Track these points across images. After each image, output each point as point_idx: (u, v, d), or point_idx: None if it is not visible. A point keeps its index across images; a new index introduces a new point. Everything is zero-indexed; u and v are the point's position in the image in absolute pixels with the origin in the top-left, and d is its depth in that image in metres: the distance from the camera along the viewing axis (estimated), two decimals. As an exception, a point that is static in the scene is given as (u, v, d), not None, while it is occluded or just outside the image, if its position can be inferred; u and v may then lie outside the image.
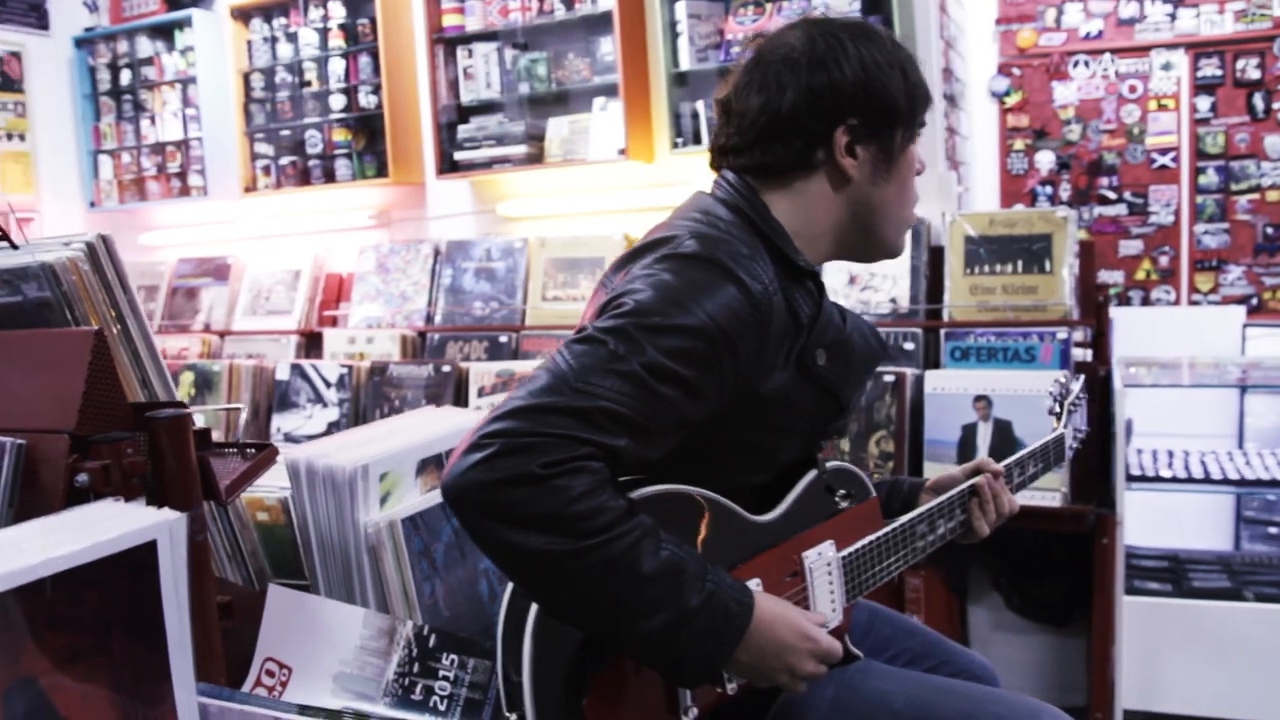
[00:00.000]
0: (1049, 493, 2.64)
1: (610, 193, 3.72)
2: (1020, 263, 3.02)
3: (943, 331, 2.97)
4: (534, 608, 1.11)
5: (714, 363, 1.13)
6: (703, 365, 1.12)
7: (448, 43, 3.86)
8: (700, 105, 3.42)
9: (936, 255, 3.14)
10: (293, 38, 4.24)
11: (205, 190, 4.47)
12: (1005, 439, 2.67)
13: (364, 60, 4.08)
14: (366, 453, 1.31)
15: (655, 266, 1.17)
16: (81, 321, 1.25)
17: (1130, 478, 2.77)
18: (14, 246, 1.24)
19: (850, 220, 1.31)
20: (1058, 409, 1.61)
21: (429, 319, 3.95)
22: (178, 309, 4.51)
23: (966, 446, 2.70)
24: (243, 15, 4.32)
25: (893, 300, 3.11)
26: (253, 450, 1.36)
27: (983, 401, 2.74)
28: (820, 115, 1.26)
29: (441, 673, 1.20)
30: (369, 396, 3.63)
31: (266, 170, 4.34)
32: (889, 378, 2.83)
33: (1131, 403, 2.75)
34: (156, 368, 1.34)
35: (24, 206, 4.66)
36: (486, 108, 3.91)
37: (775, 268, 1.23)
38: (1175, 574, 2.90)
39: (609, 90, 3.56)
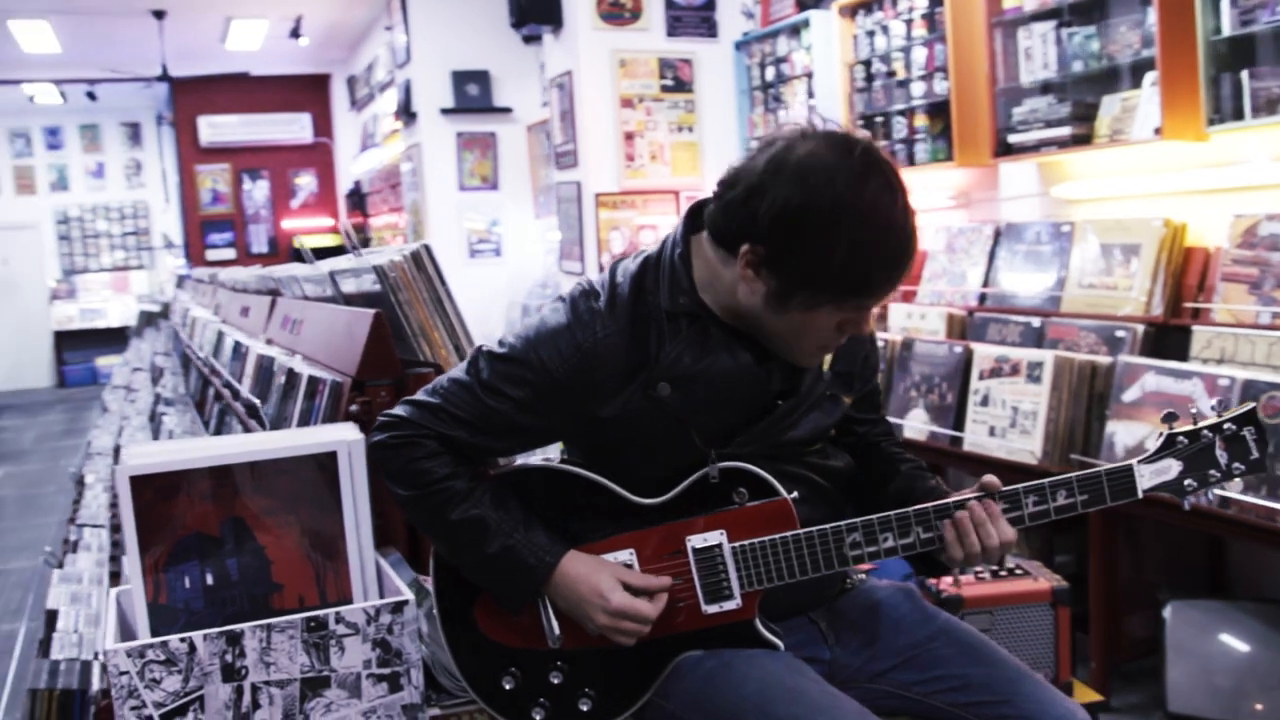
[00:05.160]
0: None
1: (1153, 175, 3.49)
2: None
3: None
4: None
5: (541, 389, 1.43)
6: (530, 389, 1.44)
7: (1007, 24, 3.89)
8: (1245, 76, 3.06)
9: None
10: (885, 30, 4.57)
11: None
12: None
13: (939, 47, 4.27)
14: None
15: (553, 301, 1.50)
16: (404, 306, 1.84)
17: None
18: (358, 253, 1.87)
19: (748, 319, 1.43)
20: (1161, 431, 1.41)
21: (982, 299, 4.07)
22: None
23: None
24: (849, 11, 4.74)
25: None
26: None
27: None
28: (740, 218, 1.36)
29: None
30: (898, 369, 3.89)
31: (863, 153, 4.74)
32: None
33: None
34: (464, 332, 1.90)
35: (691, 187, 5.66)
36: (1045, 88, 3.87)
37: (655, 309, 1.43)
38: None
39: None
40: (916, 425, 3.67)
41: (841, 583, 1.59)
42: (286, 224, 12.48)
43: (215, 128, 12.18)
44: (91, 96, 11.55)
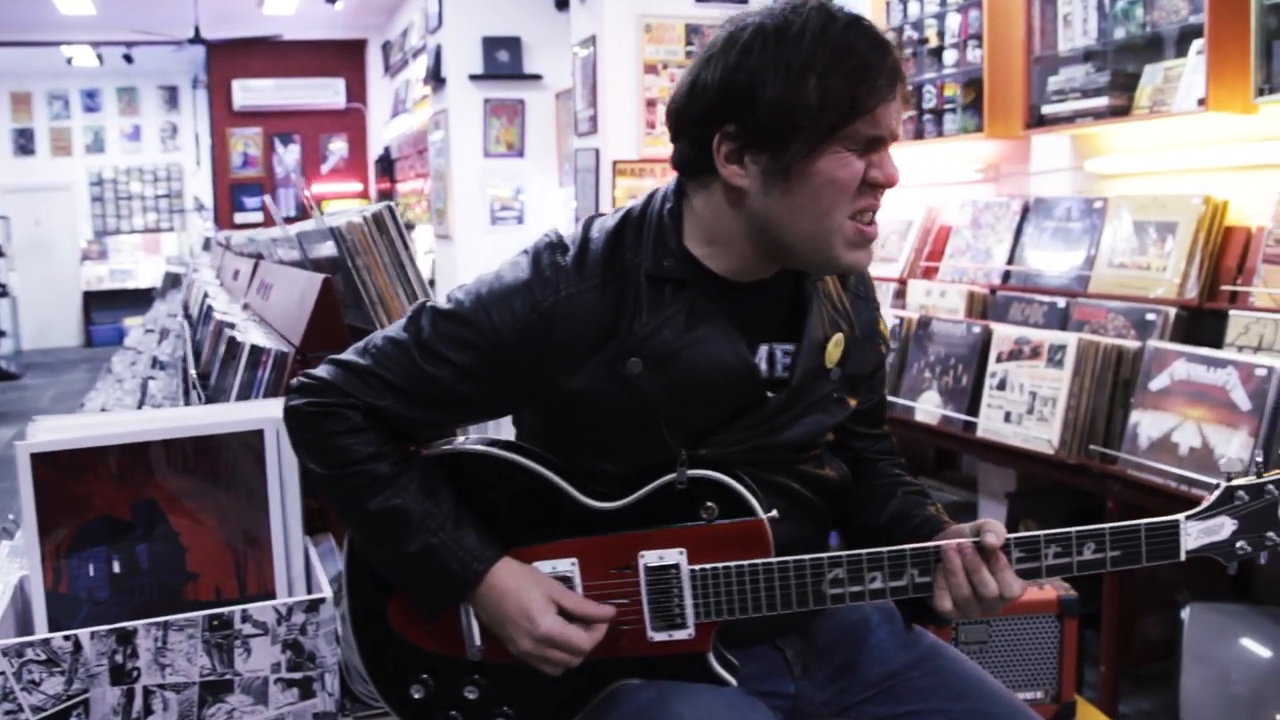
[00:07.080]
0: None
1: (1195, 149, 3.28)
2: None
3: None
4: None
5: (487, 354, 1.24)
6: (475, 353, 1.25)
7: (1046, -11, 3.68)
8: (1295, 45, 2.85)
9: None
10: (920, -5, 4.36)
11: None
12: None
13: (973, 14, 4.06)
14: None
15: (516, 254, 1.32)
16: (363, 271, 1.71)
17: None
18: (318, 216, 1.74)
19: (760, 233, 1.22)
20: (1224, 480, 1.22)
21: (1006, 277, 3.89)
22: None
23: None
24: (883, -24, 4.54)
25: None
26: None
27: None
28: (697, 119, 1.21)
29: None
30: (913, 348, 3.72)
31: (891, 124, 4.56)
32: None
33: None
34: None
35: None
36: (1084, 57, 3.66)
37: (634, 270, 1.24)
38: None
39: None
40: (928, 408, 3.50)
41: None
42: (316, 188, 12.44)
43: (249, 91, 12.12)
44: (128, 59, 11.51)
